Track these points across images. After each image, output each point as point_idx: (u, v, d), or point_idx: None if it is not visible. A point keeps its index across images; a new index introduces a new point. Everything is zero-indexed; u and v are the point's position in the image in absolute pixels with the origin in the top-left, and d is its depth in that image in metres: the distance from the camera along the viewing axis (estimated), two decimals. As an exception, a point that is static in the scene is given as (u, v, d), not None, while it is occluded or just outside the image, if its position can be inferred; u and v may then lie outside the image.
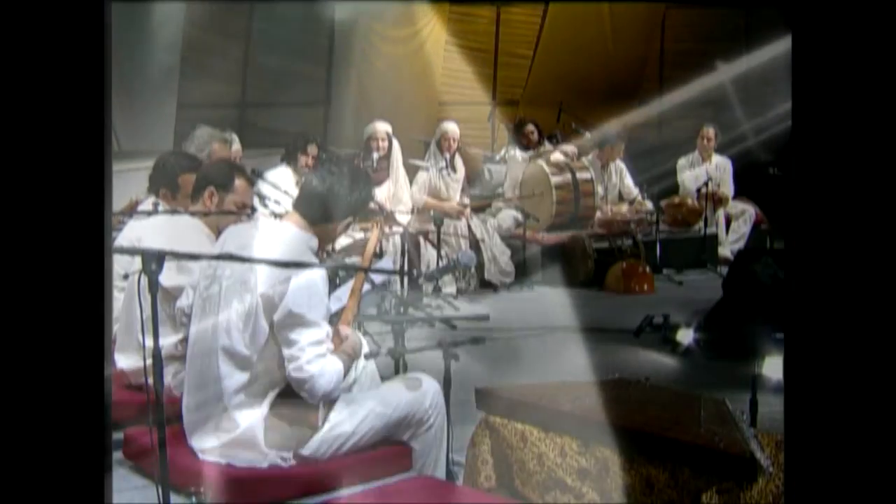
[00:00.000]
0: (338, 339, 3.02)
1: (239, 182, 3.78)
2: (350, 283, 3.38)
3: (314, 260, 2.99)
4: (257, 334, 2.88)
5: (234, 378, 2.91)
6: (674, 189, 8.96)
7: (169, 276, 2.86)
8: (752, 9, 10.24)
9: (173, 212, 3.88)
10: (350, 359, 3.01)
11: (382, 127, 7.38)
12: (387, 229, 6.60)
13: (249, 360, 2.90)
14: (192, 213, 3.71)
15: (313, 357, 2.85)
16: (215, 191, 3.71)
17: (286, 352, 2.85)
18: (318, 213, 3.03)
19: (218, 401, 2.93)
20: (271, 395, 2.93)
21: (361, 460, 3.00)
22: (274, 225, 3.10)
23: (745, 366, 3.96)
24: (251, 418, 2.92)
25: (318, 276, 2.90)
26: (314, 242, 3.02)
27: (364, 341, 3.21)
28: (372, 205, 6.76)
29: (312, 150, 6.63)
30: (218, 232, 3.50)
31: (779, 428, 2.40)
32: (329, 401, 2.96)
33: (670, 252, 8.12)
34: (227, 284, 2.94)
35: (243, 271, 2.91)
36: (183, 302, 3.17)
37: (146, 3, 7.09)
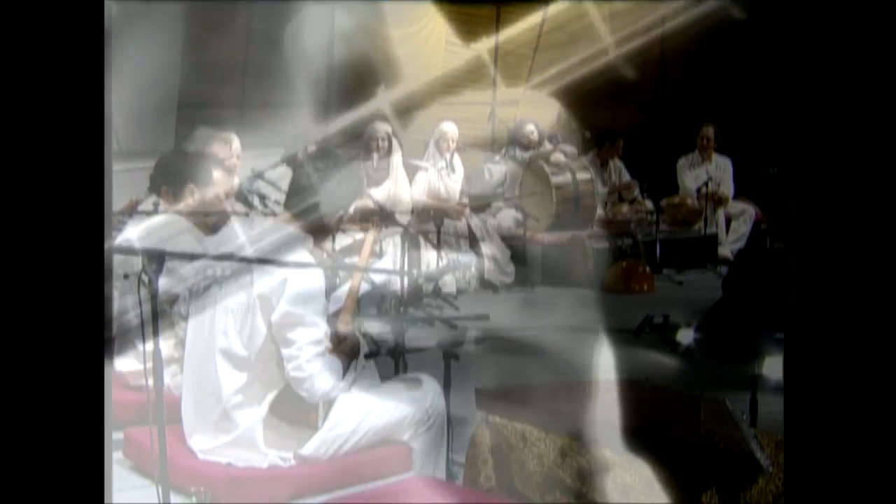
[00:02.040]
0: (336, 339, 3.02)
1: (217, 174, 3.78)
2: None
3: (310, 258, 2.99)
4: (254, 335, 2.88)
5: (232, 379, 2.91)
6: (674, 189, 8.96)
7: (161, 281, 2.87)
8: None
9: (179, 211, 3.89)
10: (348, 359, 3.01)
11: (382, 127, 7.38)
12: (386, 229, 6.60)
13: (247, 360, 2.90)
14: (192, 214, 3.71)
15: (312, 356, 2.85)
16: (195, 187, 3.71)
17: (285, 352, 2.85)
18: (308, 210, 3.02)
19: (217, 402, 2.93)
20: (270, 396, 2.93)
21: (361, 460, 3.00)
22: (267, 225, 3.09)
23: (745, 366, 3.96)
24: (250, 419, 2.92)
25: (314, 275, 2.90)
26: (309, 241, 3.01)
27: (363, 341, 3.21)
28: (372, 204, 6.78)
29: (312, 150, 6.64)
30: (210, 229, 3.51)
31: (779, 428, 2.40)
32: (328, 400, 2.96)
33: (670, 252, 8.12)
34: (223, 286, 2.94)
35: (239, 272, 2.91)
36: (180, 306, 3.18)
37: (146, 2, 7.08)
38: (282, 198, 5.20)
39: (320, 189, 3.03)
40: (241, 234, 3.07)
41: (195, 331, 3.01)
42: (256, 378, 2.91)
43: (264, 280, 2.85)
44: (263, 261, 2.85)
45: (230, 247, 2.98)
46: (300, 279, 2.85)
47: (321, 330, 2.89)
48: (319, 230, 3.07)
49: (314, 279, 2.89)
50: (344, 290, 3.38)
